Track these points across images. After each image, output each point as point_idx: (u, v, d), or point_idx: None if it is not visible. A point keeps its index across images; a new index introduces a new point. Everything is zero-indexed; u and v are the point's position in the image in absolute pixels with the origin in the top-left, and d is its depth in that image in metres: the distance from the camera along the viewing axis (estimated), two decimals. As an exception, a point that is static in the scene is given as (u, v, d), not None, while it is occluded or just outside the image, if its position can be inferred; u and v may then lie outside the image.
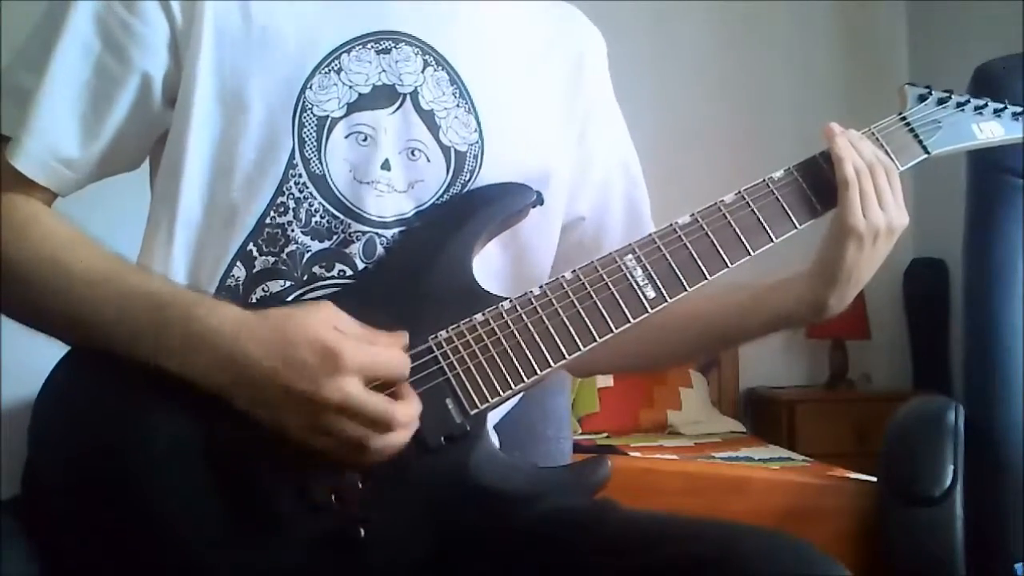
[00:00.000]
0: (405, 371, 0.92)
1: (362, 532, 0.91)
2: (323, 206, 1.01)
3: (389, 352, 0.92)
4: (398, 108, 1.05)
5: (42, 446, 0.93)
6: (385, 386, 0.91)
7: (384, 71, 1.05)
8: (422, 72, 1.07)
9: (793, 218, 1.10)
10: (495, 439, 1.12)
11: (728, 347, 3.42)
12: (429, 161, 1.05)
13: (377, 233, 1.03)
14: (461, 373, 0.96)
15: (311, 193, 1.01)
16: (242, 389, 0.89)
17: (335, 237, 1.02)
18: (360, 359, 0.88)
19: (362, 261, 1.02)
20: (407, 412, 0.90)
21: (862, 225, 1.07)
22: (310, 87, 1.01)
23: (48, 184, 1.01)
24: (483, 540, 0.97)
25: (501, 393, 0.97)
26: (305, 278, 1.00)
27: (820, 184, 1.11)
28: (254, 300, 1.00)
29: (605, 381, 3.85)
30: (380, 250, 1.03)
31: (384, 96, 1.05)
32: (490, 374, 0.97)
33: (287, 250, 1.00)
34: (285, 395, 0.88)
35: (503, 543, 0.98)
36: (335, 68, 1.03)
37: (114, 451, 0.91)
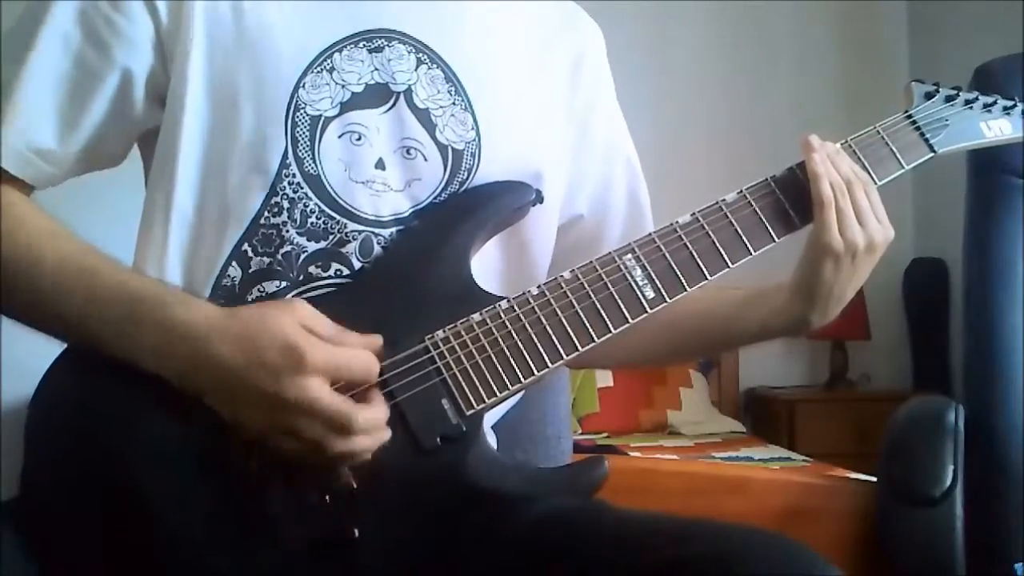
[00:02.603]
0: (372, 373, 0.91)
1: (356, 533, 0.91)
2: (318, 206, 1.01)
3: (356, 353, 0.90)
4: (391, 107, 1.04)
5: (37, 447, 0.93)
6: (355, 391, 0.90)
7: (377, 70, 1.04)
8: (415, 70, 1.06)
9: (795, 218, 1.09)
10: (492, 440, 1.12)
11: (718, 351, 3.43)
12: (426, 160, 1.05)
13: (374, 232, 1.02)
14: (457, 373, 0.96)
15: (305, 193, 1.00)
16: (209, 386, 0.89)
17: (331, 237, 1.01)
18: (323, 358, 0.87)
19: (359, 260, 1.01)
20: (369, 416, 0.89)
21: (838, 244, 1.05)
22: (303, 86, 1.01)
23: (23, 176, 1.00)
24: (479, 541, 0.98)
25: (498, 394, 0.96)
26: (301, 278, 1.00)
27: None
28: (250, 300, 0.99)
29: (605, 381, 3.86)
30: (377, 249, 1.02)
31: (377, 95, 1.04)
32: (487, 375, 0.96)
33: (282, 251, 1.00)
34: (248, 393, 0.87)
35: (499, 544, 0.98)
36: (327, 67, 1.02)
37: (106, 453, 0.91)
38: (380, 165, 1.03)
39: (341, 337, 0.91)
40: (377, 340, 0.93)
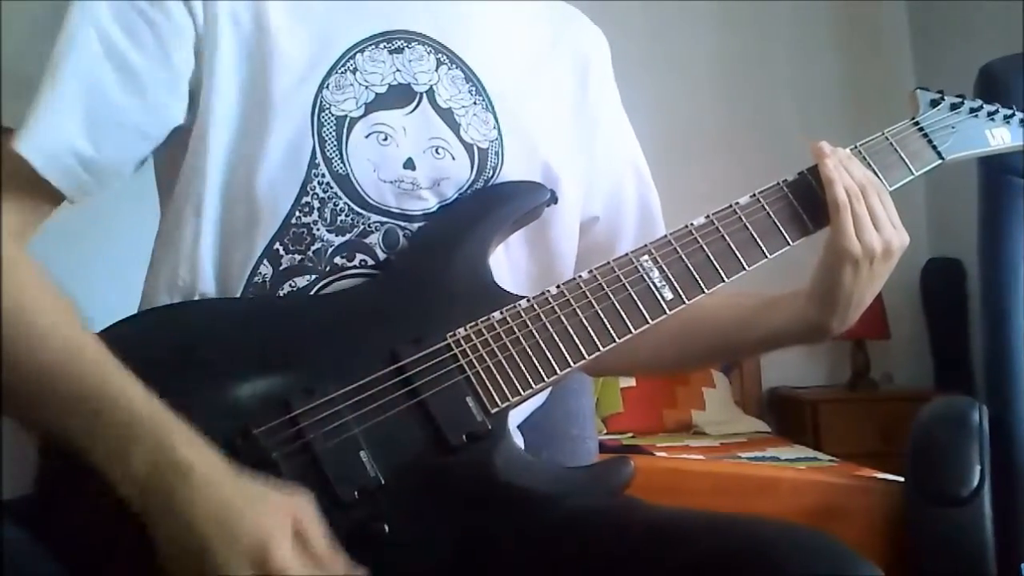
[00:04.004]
0: None
1: (386, 529, 0.91)
2: (348, 205, 1.02)
3: None
4: (415, 107, 1.06)
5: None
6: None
7: (399, 70, 1.06)
8: (436, 71, 1.08)
9: (809, 222, 1.10)
10: (519, 439, 1.12)
11: (734, 357, 3.41)
12: (454, 159, 1.06)
13: (399, 225, 1.03)
14: (481, 372, 0.96)
15: (336, 193, 1.01)
16: (170, 532, 0.82)
17: (356, 230, 1.02)
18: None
19: (382, 251, 1.03)
20: None
21: (857, 249, 1.05)
22: (327, 87, 1.02)
23: (62, 187, 0.95)
24: (508, 538, 0.97)
25: (522, 392, 0.97)
26: (328, 269, 1.01)
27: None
28: (281, 295, 1.00)
29: (627, 381, 3.86)
30: (403, 241, 1.03)
31: (400, 96, 1.05)
32: (510, 373, 0.97)
33: (313, 248, 1.01)
34: (202, 562, 0.81)
35: (527, 542, 0.98)
36: (350, 68, 1.03)
37: None
38: (410, 165, 1.04)
39: (330, 559, 0.84)
40: None
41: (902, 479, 2.15)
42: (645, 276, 1.03)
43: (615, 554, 0.94)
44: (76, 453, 0.84)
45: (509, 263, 1.11)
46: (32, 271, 0.92)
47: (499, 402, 0.96)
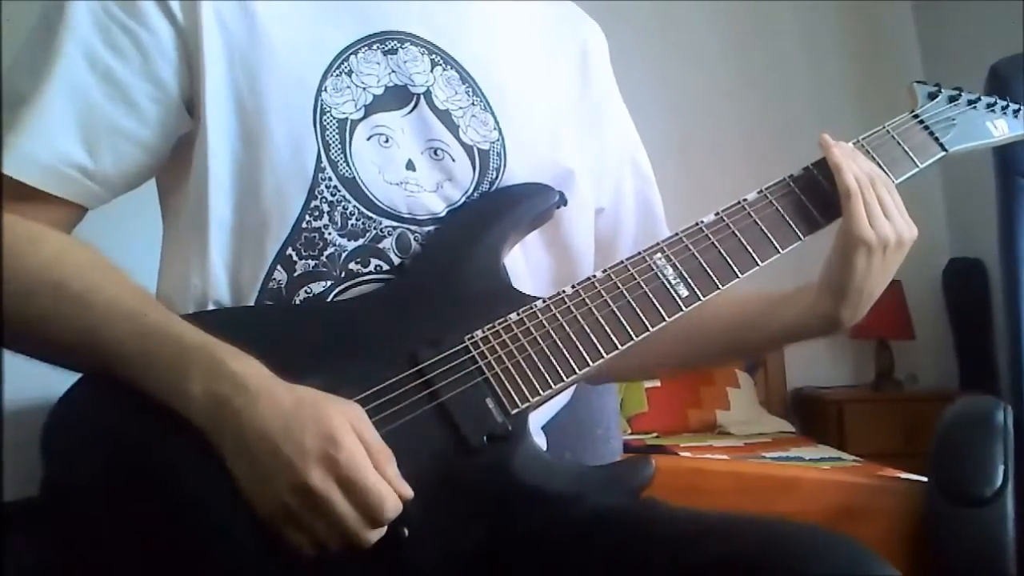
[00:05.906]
0: (386, 513, 0.85)
1: (406, 532, 0.90)
2: (357, 208, 1.01)
3: (386, 487, 0.85)
4: (413, 109, 1.05)
5: (70, 451, 0.91)
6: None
7: (394, 72, 1.06)
8: (431, 72, 1.07)
9: (818, 216, 1.10)
10: (542, 440, 1.12)
11: (748, 354, 3.39)
12: (454, 160, 1.06)
13: (410, 229, 1.03)
14: (500, 372, 0.96)
15: (344, 196, 1.01)
16: (236, 445, 0.86)
17: (368, 235, 1.02)
18: (356, 464, 0.84)
19: (396, 256, 1.02)
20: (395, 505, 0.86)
21: (871, 236, 1.05)
22: (325, 89, 1.01)
23: (64, 194, 0.97)
24: (527, 540, 0.97)
25: (541, 392, 0.96)
26: (343, 275, 1.01)
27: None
28: (297, 301, 1.00)
29: (652, 381, 3.85)
30: (415, 246, 1.03)
31: (397, 97, 1.05)
32: (529, 373, 0.97)
33: (326, 253, 1.00)
34: (273, 465, 0.84)
35: (548, 543, 0.98)
36: (345, 70, 1.03)
37: (147, 455, 0.89)
38: (410, 166, 1.04)
39: (384, 457, 0.87)
40: (409, 492, 0.88)
41: (925, 479, 2.15)
42: (659, 274, 1.04)
43: (634, 555, 0.94)
44: (142, 390, 0.88)
45: (528, 263, 1.11)
46: (57, 237, 0.95)
47: (519, 403, 0.96)
